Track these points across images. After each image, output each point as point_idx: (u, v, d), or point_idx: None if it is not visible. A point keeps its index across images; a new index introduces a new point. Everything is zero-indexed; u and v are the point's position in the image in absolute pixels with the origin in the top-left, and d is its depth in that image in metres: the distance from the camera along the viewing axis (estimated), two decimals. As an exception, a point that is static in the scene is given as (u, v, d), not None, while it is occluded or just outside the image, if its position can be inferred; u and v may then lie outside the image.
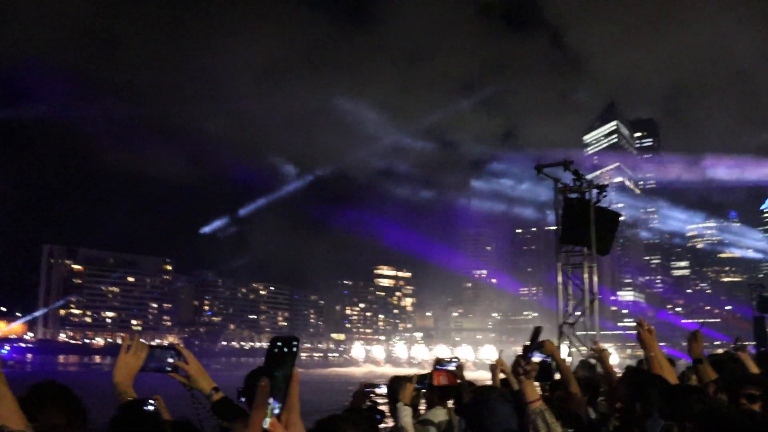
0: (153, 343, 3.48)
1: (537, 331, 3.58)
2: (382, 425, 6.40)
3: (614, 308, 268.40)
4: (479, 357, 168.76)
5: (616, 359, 74.61)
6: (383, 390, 6.33)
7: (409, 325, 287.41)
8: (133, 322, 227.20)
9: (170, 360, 3.36)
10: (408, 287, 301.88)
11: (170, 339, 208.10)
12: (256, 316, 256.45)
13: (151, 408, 2.75)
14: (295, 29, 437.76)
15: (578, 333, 18.80)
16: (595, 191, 18.99)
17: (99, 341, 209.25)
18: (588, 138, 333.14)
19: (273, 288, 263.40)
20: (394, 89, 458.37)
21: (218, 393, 3.41)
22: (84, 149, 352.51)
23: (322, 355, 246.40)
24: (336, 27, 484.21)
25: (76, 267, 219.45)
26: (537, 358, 5.67)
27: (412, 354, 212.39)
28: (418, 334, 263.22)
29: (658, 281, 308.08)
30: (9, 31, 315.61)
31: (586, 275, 18.87)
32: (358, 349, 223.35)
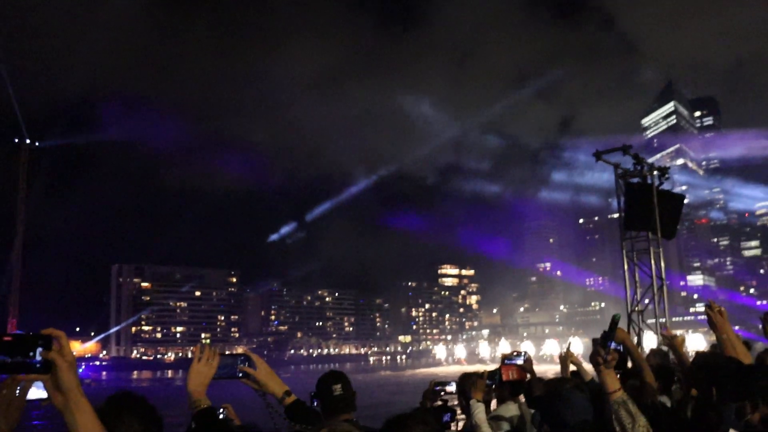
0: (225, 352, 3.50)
1: (615, 319, 3.47)
2: (453, 423, 6.39)
3: (684, 294, 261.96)
4: (543, 351, 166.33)
5: (702, 344, 72.55)
6: (453, 388, 6.30)
7: (475, 323, 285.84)
8: (203, 335, 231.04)
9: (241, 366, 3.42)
10: (472, 285, 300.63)
11: (240, 350, 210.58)
12: (322, 323, 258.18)
13: (221, 416, 3.07)
14: (346, 35, 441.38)
15: (648, 321, 18.46)
16: (656, 174, 18.62)
17: (170, 356, 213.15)
18: (646, 121, 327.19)
19: (338, 294, 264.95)
20: (450, 86, 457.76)
21: (291, 396, 3.44)
22: (146, 169, 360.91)
23: (389, 358, 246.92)
24: (385, 29, 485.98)
25: (145, 284, 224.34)
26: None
27: (478, 352, 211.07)
28: (485, 332, 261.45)
29: (728, 263, 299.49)
30: (77, 62, 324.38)
31: (652, 261, 18.53)
32: (440, 350, 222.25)
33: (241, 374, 3.37)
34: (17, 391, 2.34)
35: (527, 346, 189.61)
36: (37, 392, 2.35)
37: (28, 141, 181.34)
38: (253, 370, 3.38)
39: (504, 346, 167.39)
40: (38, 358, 2.00)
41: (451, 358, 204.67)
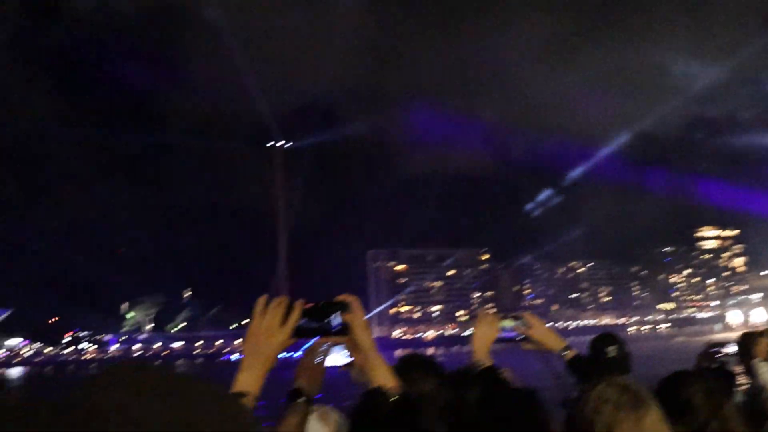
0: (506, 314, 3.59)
1: None
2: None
3: None
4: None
5: None
6: (731, 349, 5.98)
7: (743, 287, 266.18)
8: (458, 313, 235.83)
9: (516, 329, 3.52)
10: (736, 246, 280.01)
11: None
12: (577, 295, 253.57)
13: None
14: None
15: None
16: None
17: (429, 334, 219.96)
18: None
19: (592, 264, 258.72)
20: (687, 32, 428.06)
21: (571, 351, 3.48)
22: (389, 159, 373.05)
23: (650, 327, 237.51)
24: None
25: (399, 267, 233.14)
26: None
27: (749, 318, 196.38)
28: (756, 296, 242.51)
29: None
30: (317, 63, 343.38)
31: None
32: (734, 315, 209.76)
33: (519, 337, 3.50)
34: (319, 358, 2.56)
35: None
36: (335, 359, 2.70)
37: (280, 143, 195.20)
38: (531, 330, 3.49)
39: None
40: (336, 322, 2.23)
41: (722, 324, 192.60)
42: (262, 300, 2.29)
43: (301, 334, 2.23)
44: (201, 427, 0.86)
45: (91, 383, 0.89)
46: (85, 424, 0.83)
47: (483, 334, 3.47)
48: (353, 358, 2.41)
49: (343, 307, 2.28)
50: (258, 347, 2.22)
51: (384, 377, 2.30)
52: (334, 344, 2.36)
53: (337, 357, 2.95)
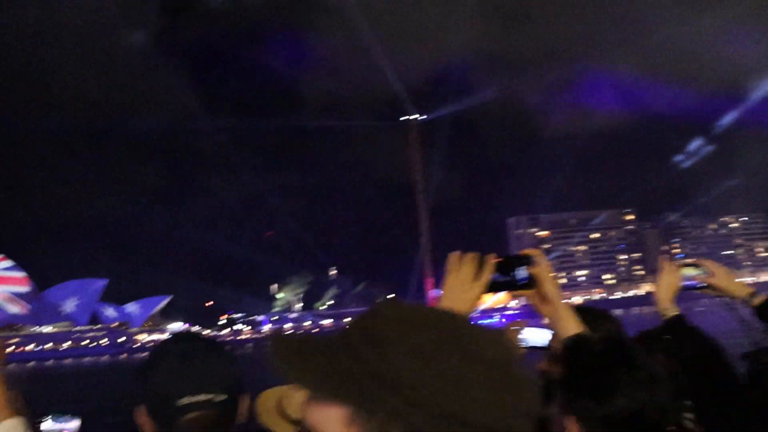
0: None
1: None
2: None
3: None
4: None
5: None
6: None
7: None
8: (605, 276, 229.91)
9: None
10: None
11: (646, 288, 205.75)
12: (731, 252, 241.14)
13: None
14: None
15: None
16: None
17: (575, 300, 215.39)
18: None
19: (746, 218, 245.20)
20: None
21: (759, 296, 3.34)
22: (522, 124, 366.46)
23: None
24: None
25: (542, 233, 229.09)
26: None
27: None
28: None
29: None
30: (446, 32, 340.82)
31: None
32: None
33: (700, 285, 3.43)
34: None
35: None
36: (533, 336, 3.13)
37: (414, 117, 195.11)
38: (711, 277, 3.42)
39: None
40: (521, 275, 2.28)
41: None
42: (455, 256, 2.29)
43: (491, 289, 2.26)
44: (478, 352, 0.90)
45: (360, 321, 0.95)
46: (370, 352, 0.89)
47: (667, 283, 3.40)
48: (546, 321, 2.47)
49: (528, 261, 2.32)
50: (455, 302, 2.24)
51: (574, 326, 2.35)
52: (520, 296, 2.39)
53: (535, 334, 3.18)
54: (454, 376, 0.87)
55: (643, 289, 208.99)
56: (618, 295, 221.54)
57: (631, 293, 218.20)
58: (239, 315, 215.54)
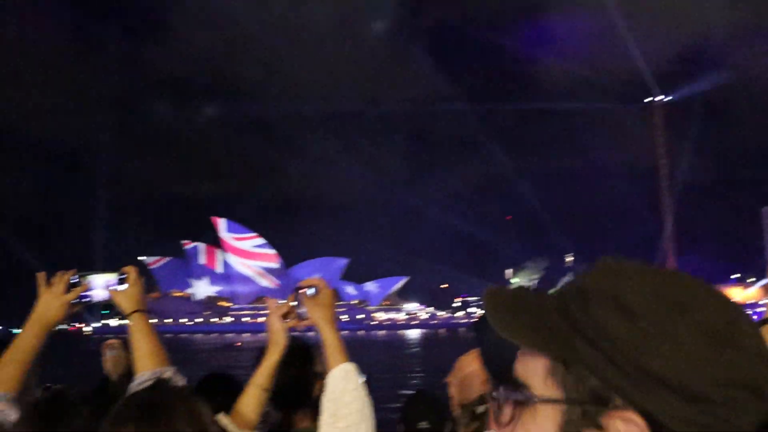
0: None
1: None
2: None
3: None
4: None
5: None
6: None
7: None
8: None
9: None
10: None
11: None
12: None
13: None
14: None
15: None
16: None
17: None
18: None
19: None
20: None
21: None
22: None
23: None
24: None
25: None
26: None
27: None
28: None
29: None
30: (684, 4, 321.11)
31: None
32: None
33: None
34: None
35: None
36: None
37: (659, 98, 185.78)
38: None
39: None
40: None
41: None
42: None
43: None
44: (694, 311, 0.85)
45: (578, 276, 0.94)
46: (577, 305, 0.89)
47: None
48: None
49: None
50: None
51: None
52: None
53: None
54: (661, 333, 0.84)
55: None
56: None
57: None
58: (474, 298, 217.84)
